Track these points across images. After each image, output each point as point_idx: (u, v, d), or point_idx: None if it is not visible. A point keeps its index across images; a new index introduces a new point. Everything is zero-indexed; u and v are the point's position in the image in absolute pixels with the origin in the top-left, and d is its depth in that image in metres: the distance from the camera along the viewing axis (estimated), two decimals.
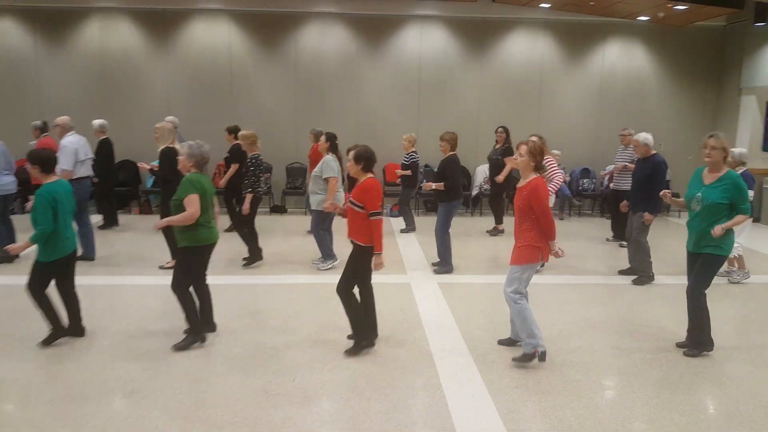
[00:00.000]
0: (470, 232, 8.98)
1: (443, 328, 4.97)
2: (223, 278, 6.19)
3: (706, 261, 4.32)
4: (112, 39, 10.16)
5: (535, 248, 4.09)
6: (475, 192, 10.37)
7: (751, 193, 6.21)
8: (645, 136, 6.29)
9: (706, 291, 4.41)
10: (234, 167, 8.21)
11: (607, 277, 6.65)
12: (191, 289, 4.48)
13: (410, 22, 10.36)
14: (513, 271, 4.17)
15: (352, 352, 4.36)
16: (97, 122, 8.64)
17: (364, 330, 4.42)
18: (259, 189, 6.71)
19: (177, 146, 6.74)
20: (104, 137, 8.65)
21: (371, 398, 3.73)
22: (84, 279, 5.37)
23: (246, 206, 6.59)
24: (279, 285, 6.14)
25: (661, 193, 4.75)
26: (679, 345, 4.60)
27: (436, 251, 6.79)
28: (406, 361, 4.30)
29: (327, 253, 6.76)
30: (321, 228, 6.70)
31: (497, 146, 8.70)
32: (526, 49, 10.55)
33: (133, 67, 10.23)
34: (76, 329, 4.64)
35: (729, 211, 4.22)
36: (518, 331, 4.29)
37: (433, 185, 6.59)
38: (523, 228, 4.14)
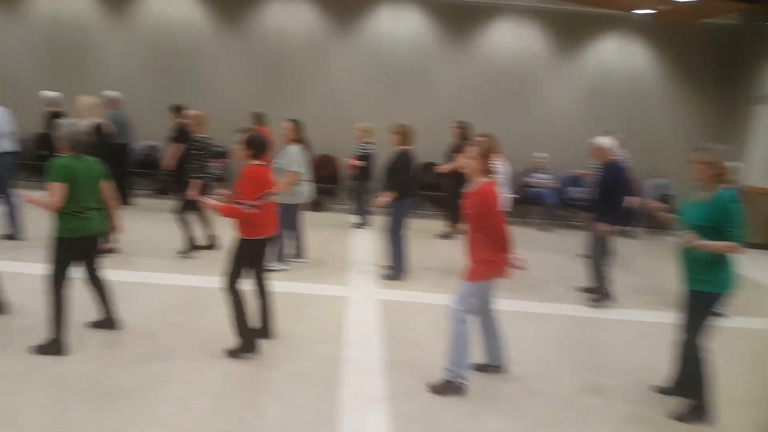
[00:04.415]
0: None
1: (364, 362, 4.15)
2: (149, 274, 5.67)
3: (693, 300, 3.49)
4: (65, 6, 9.50)
5: (489, 263, 3.61)
6: None
7: None
8: (604, 141, 5.59)
9: (703, 341, 3.50)
10: (177, 147, 7.71)
11: (572, 305, 5.75)
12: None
13: (384, 1, 9.53)
14: (465, 287, 3.67)
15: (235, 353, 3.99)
16: (47, 94, 8.09)
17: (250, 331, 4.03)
18: (207, 175, 6.08)
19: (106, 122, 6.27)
20: (56, 110, 8.10)
21: None
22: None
23: (192, 192, 5.96)
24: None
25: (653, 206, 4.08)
26: (661, 390, 3.88)
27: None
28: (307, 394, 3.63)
29: (290, 253, 6.05)
30: (289, 225, 6.01)
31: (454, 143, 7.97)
32: (512, 39, 9.65)
33: (88, 38, 9.57)
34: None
35: (714, 236, 3.34)
36: (448, 353, 3.69)
37: (386, 198, 5.86)
38: (475, 239, 3.61)
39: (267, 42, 9.58)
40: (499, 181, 5.78)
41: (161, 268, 5.89)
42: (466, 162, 3.71)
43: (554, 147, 9.65)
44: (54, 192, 3.68)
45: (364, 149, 7.72)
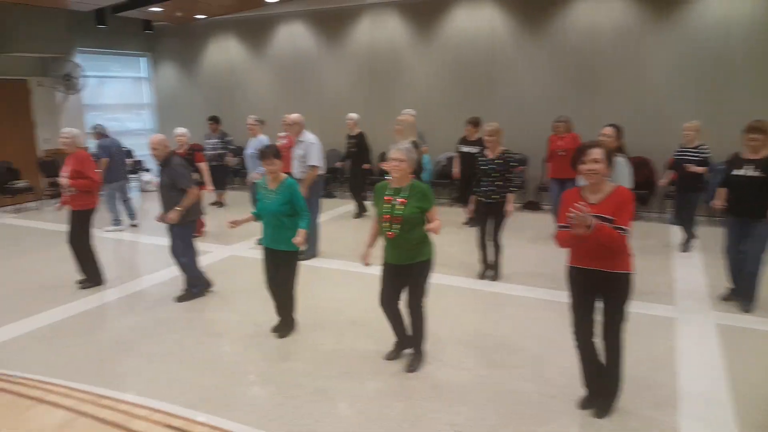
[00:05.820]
0: None
1: (706, 396, 3.55)
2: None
3: None
4: (380, 33, 10.46)
5: None
6: None
7: None
8: None
9: None
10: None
11: None
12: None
13: None
14: None
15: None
16: (354, 116, 8.92)
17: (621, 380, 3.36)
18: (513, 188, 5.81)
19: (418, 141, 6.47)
20: (359, 131, 8.89)
21: None
22: None
23: (510, 207, 5.65)
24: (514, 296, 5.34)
25: None
26: None
27: (731, 279, 5.12)
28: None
29: None
30: None
31: None
32: None
33: (397, 60, 10.39)
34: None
35: None
36: None
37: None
38: None
39: (571, 42, 9.05)
40: None
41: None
42: None
43: None
44: (437, 214, 3.78)
45: (703, 152, 6.44)
